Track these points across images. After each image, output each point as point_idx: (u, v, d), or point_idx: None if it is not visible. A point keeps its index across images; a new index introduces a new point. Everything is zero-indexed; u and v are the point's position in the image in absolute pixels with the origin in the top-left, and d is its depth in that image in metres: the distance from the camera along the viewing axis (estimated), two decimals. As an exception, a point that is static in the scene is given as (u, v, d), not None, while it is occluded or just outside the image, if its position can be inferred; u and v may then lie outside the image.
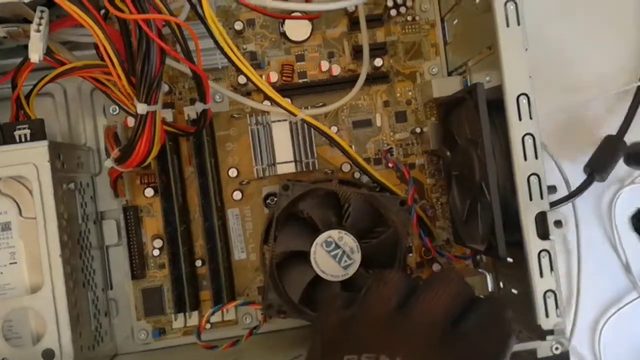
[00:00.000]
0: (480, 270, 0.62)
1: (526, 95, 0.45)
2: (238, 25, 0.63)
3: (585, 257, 0.62)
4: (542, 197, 0.45)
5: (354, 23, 0.63)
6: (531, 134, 0.45)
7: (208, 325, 0.62)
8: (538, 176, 0.45)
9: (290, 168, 0.60)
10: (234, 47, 0.47)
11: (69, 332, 0.52)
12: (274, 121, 0.60)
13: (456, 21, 0.61)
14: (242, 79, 0.62)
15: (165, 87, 0.62)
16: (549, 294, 0.45)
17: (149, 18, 0.44)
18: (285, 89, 0.63)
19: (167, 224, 0.60)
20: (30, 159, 0.52)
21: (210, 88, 0.51)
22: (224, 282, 0.60)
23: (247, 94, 0.63)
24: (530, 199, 0.45)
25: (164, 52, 0.46)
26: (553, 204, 0.55)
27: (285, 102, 0.52)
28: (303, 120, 0.53)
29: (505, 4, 0.45)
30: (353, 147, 0.64)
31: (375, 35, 0.64)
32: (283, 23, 0.63)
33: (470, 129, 0.51)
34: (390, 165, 0.62)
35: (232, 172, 0.62)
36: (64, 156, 0.55)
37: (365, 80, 0.63)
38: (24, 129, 0.54)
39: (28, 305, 0.52)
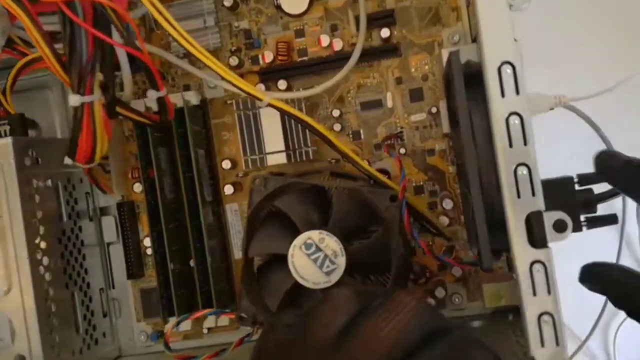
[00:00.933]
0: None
1: (510, 64, 0.35)
2: (227, 2, 0.56)
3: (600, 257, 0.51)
4: (534, 193, 0.35)
5: (358, -11, 0.55)
6: (518, 114, 0.35)
7: (205, 330, 0.58)
8: (528, 167, 0.35)
9: (281, 159, 0.54)
10: (176, 25, 0.42)
11: (38, 337, 0.49)
12: (261, 106, 0.53)
13: (472, -23, 0.51)
14: (233, 61, 0.57)
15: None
16: (545, 317, 0.35)
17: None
18: (281, 70, 0.56)
19: (154, 222, 0.55)
20: (-5, 156, 0.50)
21: (158, 75, 0.45)
22: (212, 285, 0.55)
23: (240, 77, 0.57)
24: (519, 196, 0.35)
25: (98, 38, 0.41)
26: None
27: (249, 86, 0.45)
28: (270, 105, 0.46)
29: (481, -54, 0.35)
30: (362, 132, 0.56)
31: (385, 2, 0.56)
32: (278, -6, 0.56)
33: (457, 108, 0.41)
34: (384, 152, 0.54)
35: (226, 164, 0.57)
36: (40, 152, 0.53)
37: (374, 54, 0.55)
38: (3, 124, 0.53)
39: (3, 308, 0.50)
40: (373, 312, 0.33)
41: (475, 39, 0.53)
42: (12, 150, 0.49)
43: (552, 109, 0.45)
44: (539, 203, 0.35)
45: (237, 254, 0.58)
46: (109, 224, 0.60)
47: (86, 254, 0.58)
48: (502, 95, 0.35)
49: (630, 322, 0.54)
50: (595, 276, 0.35)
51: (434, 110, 0.54)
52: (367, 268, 0.48)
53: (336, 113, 0.56)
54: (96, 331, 0.58)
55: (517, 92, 0.35)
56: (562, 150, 0.58)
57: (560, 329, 0.35)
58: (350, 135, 0.56)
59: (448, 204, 0.54)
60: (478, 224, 0.37)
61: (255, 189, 0.48)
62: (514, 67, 0.35)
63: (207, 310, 0.50)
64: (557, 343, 0.35)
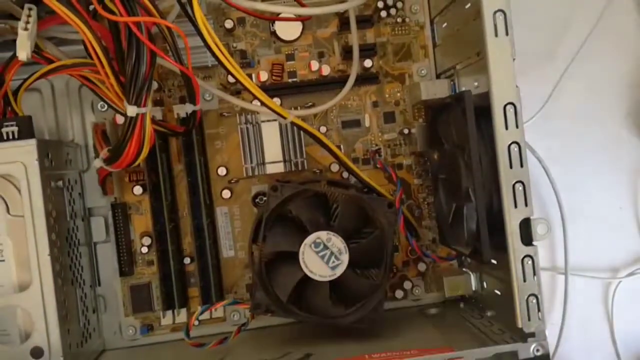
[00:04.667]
0: (464, 269, 0.64)
1: (513, 104, 0.46)
2: (228, 24, 0.63)
3: (604, 217, 0.66)
4: (526, 204, 0.46)
5: (344, 23, 0.63)
6: (517, 143, 0.46)
7: (196, 322, 0.63)
8: (523, 183, 0.46)
9: (279, 168, 0.61)
10: (224, 50, 0.47)
11: (57, 330, 0.52)
12: (263, 121, 0.60)
13: (445, 24, 0.61)
14: (232, 78, 0.63)
15: (154, 85, 0.62)
16: (531, 298, 0.46)
17: (139, 20, 0.44)
18: (274, 89, 0.63)
19: (156, 222, 0.60)
20: (19, 157, 0.52)
21: (199, 87, 0.51)
22: (212, 280, 0.60)
23: (237, 93, 0.63)
24: (515, 206, 0.46)
25: (154, 54, 0.46)
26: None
27: (275, 104, 0.52)
28: (293, 123, 0.54)
29: (495, 14, 0.45)
30: (342, 147, 0.65)
31: (365, 36, 0.65)
32: (273, 22, 0.63)
33: (457, 134, 0.51)
34: (378, 166, 0.63)
35: (222, 171, 0.63)
36: (53, 154, 0.55)
37: (355, 80, 0.64)
38: (11, 126, 0.54)
39: (16, 303, 0.52)
40: None
41: (439, 76, 0.64)
42: (36, 152, 0.52)
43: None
44: (530, 211, 0.46)
45: (226, 252, 0.64)
46: (99, 224, 0.63)
47: (81, 252, 0.60)
48: (506, 128, 0.46)
49: (631, 281, 0.68)
50: None
51: (405, 131, 0.64)
52: (361, 264, 0.57)
53: (322, 130, 0.64)
54: (90, 326, 0.60)
55: (517, 126, 0.46)
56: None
57: (542, 307, 0.46)
58: (332, 150, 0.65)
59: (415, 212, 0.64)
60: (481, 229, 0.47)
61: (271, 195, 0.54)
62: (515, 107, 0.46)
63: (225, 301, 0.56)
64: (539, 318, 0.46)
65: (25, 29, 0.49)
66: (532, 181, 0.46)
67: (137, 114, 0.47)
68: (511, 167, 0.46)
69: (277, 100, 0.63)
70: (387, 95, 0.65)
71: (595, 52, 0.68)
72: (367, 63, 0.64)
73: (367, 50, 0.64)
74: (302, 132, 0.59)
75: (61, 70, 0.52)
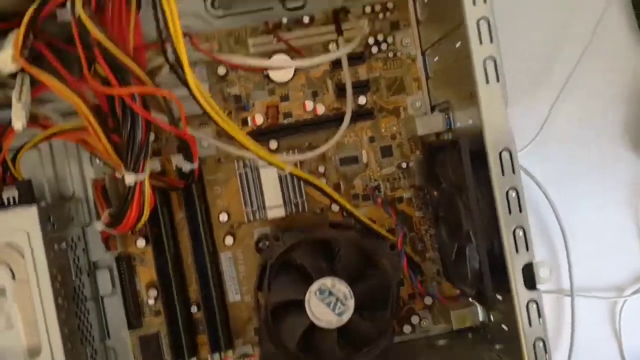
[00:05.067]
0: (471, 300, 0.64)
1: (508, 150, 0.46)
2: (221, 70, 0.63)
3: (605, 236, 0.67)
4: (527, 249, 0.46)
5: (336, 62, 0.63)
6: (515, 188, 0.46)
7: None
8: (523, 229, 0.46)
9: (280, 212, 0.61)
10: (222, 115, 0.48)
11: (69, 395, 0.52)
12: (262, 166, 0.60)
13: (437, 58, 0.61)
14: (227, 124, 0.63)
15: (151, 136, 0.62)
16: (538, 342, 0.46)
17: (134, 92, 0.44)
18: (271, 131, 0.63)
19: (161, 274, 0.60)
20: (21, 225, 0.52)
21: (196, 150, 0.51)
22: (220, 326, 0.61)
23: (232, 138, 0.63)
24: (517, 251, 0.46)
25: (150, 122, 0.46)
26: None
27: (272, 156, 0.53)
28: (291, 174, 0.54)
29: (485, 61, 0.45)
30: (341, 184, 0.65)
31: (358, 73, 0.65)
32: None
33: (455, 175, 0.52)
34: (378, 205, 0.63)
35: (223, 217, 0.63)
36: (55, 216, 0.55)
37: (351, 117, 0.64)
38: (11, 190, 0.54)
39: (28, 370, 0.52)
40: None
41: (434, 108, 0.64)
42: (37, 218, 0.52)
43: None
44: (532, 256, 0.46)
45: (232, 297, 0.64)
46: (104, 277, 0.63)
47: (89, 308, 0.61)
48: (502, 174, 0.46)
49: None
50: None
51: (403, 165, 0.65)
52: (366, 307, 0.57)
53: (321, 169, 0.64)
54: (102, 382, 0.61)
55: (514, 171, 0.46)
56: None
57: (549, 350, 0.46)
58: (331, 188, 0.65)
59: (418, 245, 0.64)
60: (484, 272, 0.47)
61: (274, 244, 0.55)
62: (510, 152, 0.46)
63: (234, 355, 0.56)
64: (547, 360, 0.47)
65: (19, 99, 0.49)
66: (532, 206, 0.46)
67: (135, 182, 0.47)
68: (510, 212, 0.46)
69: (274, 143, 0.63)
70: (383, 130, 0.65)
71: (589, 71, 0.68)
72: (361, 100, 0.64)
73: (361, 87, 0.64)
74: (301, 176, 0.60)
75: (57, 136, 0.52)
